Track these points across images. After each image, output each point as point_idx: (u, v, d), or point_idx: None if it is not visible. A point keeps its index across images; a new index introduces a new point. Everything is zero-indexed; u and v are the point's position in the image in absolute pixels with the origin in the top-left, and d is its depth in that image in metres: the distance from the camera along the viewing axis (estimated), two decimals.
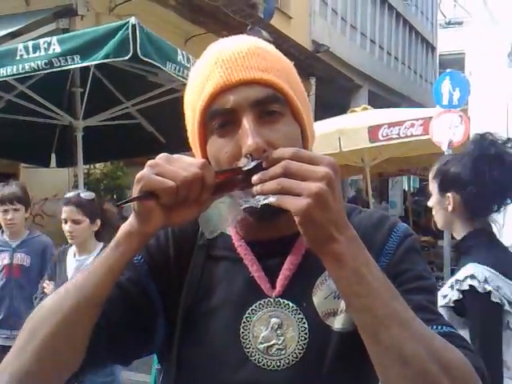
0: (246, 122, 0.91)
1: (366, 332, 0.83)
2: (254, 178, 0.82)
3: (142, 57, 4.00)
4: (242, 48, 0.95)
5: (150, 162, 0.85)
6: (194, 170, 0.84)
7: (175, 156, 0.87)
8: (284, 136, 0.93)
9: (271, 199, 0.80)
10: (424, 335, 0.82)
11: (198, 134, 0.98)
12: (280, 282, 1.00)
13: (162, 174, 0.83)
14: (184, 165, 0.84)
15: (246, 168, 0.86)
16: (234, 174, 0.88)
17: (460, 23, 22.66)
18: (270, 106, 0.94)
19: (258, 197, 0.82)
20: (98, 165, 8.66)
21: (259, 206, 0.82)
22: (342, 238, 0.81)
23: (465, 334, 1.84)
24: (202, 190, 0.85)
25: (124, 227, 0.90)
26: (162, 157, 0.86)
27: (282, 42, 11.70)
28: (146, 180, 0.83)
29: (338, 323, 0.97)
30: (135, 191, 0.84)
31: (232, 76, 0.93)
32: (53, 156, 6.87)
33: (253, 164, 0.85)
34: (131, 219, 0.89)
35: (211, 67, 0.95)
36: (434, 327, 0.91)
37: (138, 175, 0.84)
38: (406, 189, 16.65)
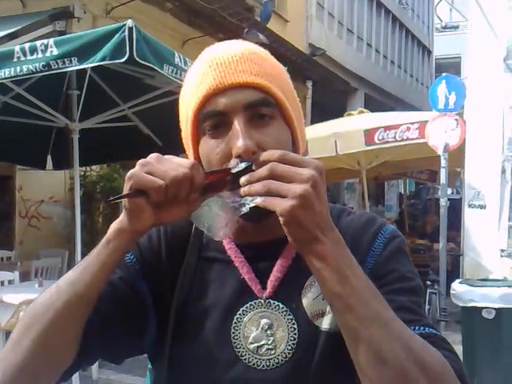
0: (237, 124, 0.93)
1: (346, 331, 0.85)
2: (242, 180, 0.84)
3: (138, 59, 4.01)
4: (236, 52, 0.98)
5: (140, 161, 0.87)
6: (183, 169, 0.85)
7: (166, 156, 0.89)
8: (274, 139, 0.95)
9: (258, 200, 0.82)
10: (403, 335, 0.84)
11: (191, 135, 1.01)
12: (271, 283, 1.02)
13: (152, 172, 0.85)
14: (174, 165, 0.86)
15: (235, 170, 0.87)
16: (223, 174, 0.89)
17: (456, 27, 22.76)
18: (261, 109, 0.96)
19: (245, 197, 0.84)
20: (94, 167, 8.66)
21: (248, 210, 0.84)
22: (326, 239, 0.83)
23: None
24: (191, 189, 0.87)
25: (114, 224, 0.91)
26: (153, 156, 0.88)
27: (278, 46, 11.74)
28: (136, 178, 0.85)
29: (325, 323, 0.99)
30: (126, 189, 0.86)
31: (225, 79, 0.95)
32: (49, 158, 6.88)
33: (242, 166, 0.87)
34: (122, 217, 0.90)
35: (205, 70, 0.97)
36: (416, 328, 0.92)
37: (129, 173, 0.86)
38: (402, 192, 16.68)
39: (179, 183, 0.85)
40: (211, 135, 0.97)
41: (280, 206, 0.79)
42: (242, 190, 0.84)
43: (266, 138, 0.94)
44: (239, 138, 0.91)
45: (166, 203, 0.86)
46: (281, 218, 0.80)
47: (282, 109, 0.98)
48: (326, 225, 0.83)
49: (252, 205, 0.83)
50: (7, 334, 4.99)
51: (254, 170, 0.84)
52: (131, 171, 0.86)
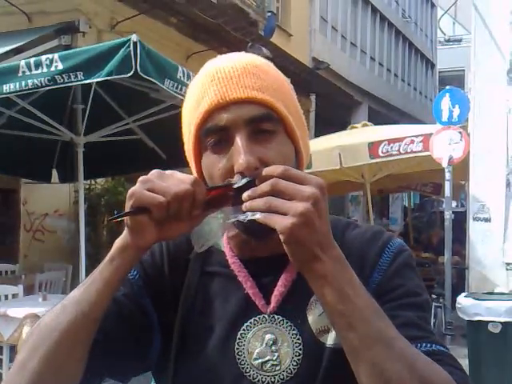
0: (239, 140, 0.92)
1: (349, 351, 0.83)
2: (245, 195, 0.83)
3: (141, 74, 4.04)
4: (238, 66, 0.97)
5: (141, 178, 0.86)
6: (184, 186, 0.85)
7: (167, 172, 0.88)
8: (277, 154, 0.94)
9: (258, 216, 0.81)
10: (407, 354, 0.82)
11: (193, 150, 1.00)
12: (275, 298, 1.00)
13: (154, 189, 0.84)
14: (175, 181, 0.86)
15: (236, 185, 0.87)
16: (225, 190, 0.89)
17: (459, 40, 22.79)
18: (264, 124, 0.95)
19: (246, 213, 0.83)
20: (99, 180, 8.67)
21: (245, 221, 0.83)
22: (326, 257, 0.81)
23: None
24: (193, 205, 0.86)
25: (118, 242, 0.90)
26: (154, 173, 0.88)
27: (282, 60, 11.77)
28: (138, 196, 0.84)
29: (330, 339, 0.97)
30: (127, 207, 0.85)
31: (226, 94, 0.94)
32: (54, 172, 6.90)
33: (243, 181, 0.86)
34: (124, 234, 0.89)
35: (207, 84, 0.97)
36: (423, 345, 0.91)
37: (130, 191, 0.85)
38: (407, 205, 16.65)
39: (181, 199, 0.84)
40: (213, 150, 0.96)
41: (280, 223, 0.79)
42: (244, 206, 0.83)
43: (269, 153, 0.93)
44: (241, 154, 0.90)
45: (169, 219, 0.86)
46: (281, 236, 0.79)
47: (284, 123, 0.97)
48: (327, 243, 0.82)
49: (251, 218, 0.82)
50: (11, 348, 4.98)
51: (256, 186, 0.83)
52: (132, 189, 0.85)
